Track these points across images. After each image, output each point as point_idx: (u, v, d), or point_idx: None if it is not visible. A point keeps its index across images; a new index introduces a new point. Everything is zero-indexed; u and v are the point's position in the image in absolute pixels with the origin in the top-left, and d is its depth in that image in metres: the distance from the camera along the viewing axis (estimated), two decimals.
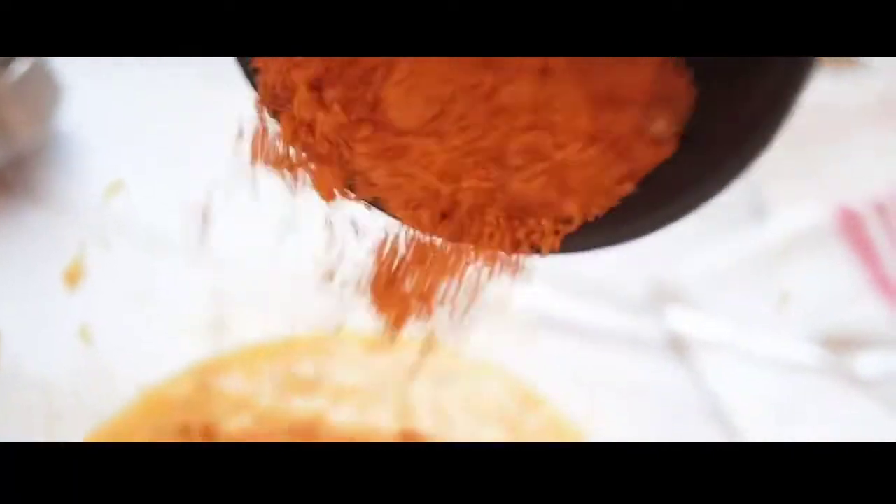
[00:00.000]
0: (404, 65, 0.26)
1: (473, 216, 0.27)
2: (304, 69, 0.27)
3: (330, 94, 0.27)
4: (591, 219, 0.27)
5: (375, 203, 0.28)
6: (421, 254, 0.29)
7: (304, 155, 0.27)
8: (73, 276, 0.46)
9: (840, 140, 0.51)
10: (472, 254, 0.28)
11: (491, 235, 0.27)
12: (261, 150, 0.28)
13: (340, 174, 0.27)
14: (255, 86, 0.28)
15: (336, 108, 0.26)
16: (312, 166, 0.27)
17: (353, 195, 0.28)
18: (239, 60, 0.28)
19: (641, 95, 0.26)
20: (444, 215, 0.27)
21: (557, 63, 0.26)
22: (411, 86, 0.26)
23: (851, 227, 0.50)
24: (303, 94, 0.27)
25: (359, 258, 0.30)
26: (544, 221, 0.27)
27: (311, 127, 0.27)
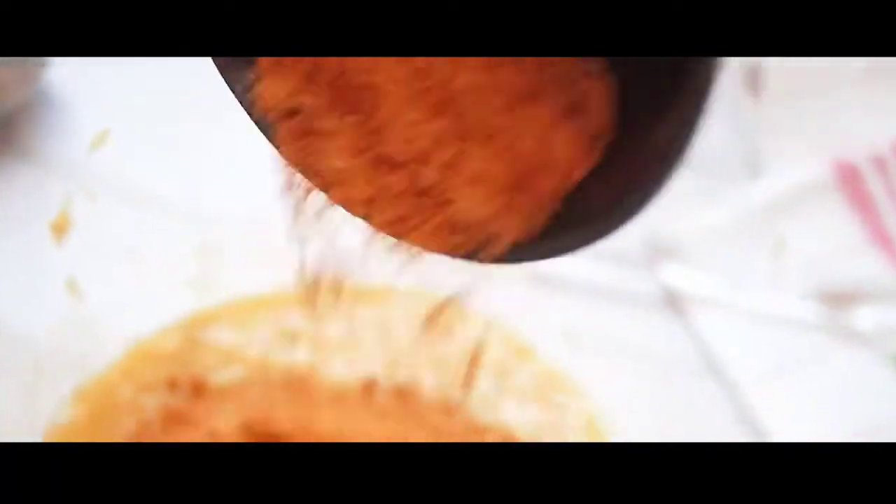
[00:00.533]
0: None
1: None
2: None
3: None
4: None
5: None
6: None
7: None
8: (59, 228, 0.45)
9: (837, 95, 0.51)
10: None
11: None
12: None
13: None
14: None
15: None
16: None
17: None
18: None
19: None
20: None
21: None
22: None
23: (849, 181, 0.49)
24: None
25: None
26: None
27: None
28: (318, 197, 0.29)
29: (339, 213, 0.29)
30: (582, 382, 0.46)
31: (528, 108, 0.26)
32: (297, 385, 0.43)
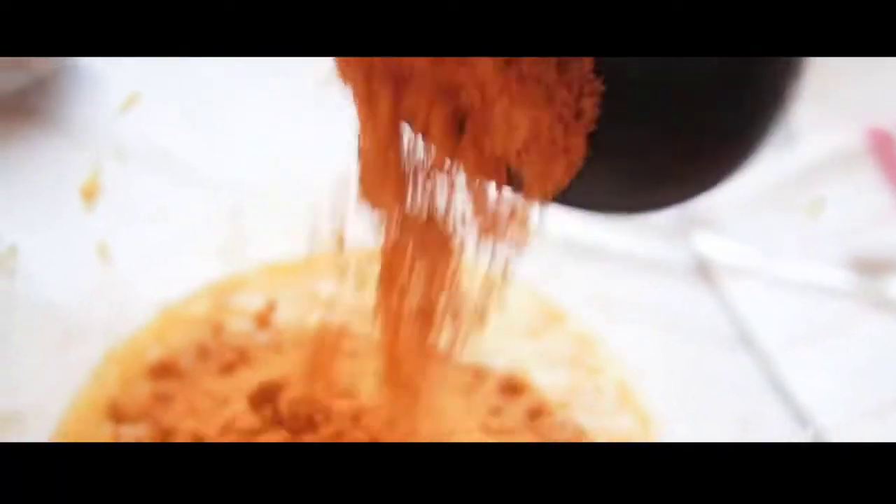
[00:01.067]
0: None
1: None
2: None
3: None
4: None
5: None
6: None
7: None
8: (89, 193, 0.45)
9: (870, 62, 0.50)
10: None
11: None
12: None
13: None
14: None
15: None
16: None
17: None
18: None
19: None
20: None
21: None
22: None
23: (883, 148, 0.49)
24: None
25: None
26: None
27: None
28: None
29: None
30: (614, 348, 0.46)
31: None
32: (328, 350, 0.43)
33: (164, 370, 0.43)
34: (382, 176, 0.30)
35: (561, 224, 0.49)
